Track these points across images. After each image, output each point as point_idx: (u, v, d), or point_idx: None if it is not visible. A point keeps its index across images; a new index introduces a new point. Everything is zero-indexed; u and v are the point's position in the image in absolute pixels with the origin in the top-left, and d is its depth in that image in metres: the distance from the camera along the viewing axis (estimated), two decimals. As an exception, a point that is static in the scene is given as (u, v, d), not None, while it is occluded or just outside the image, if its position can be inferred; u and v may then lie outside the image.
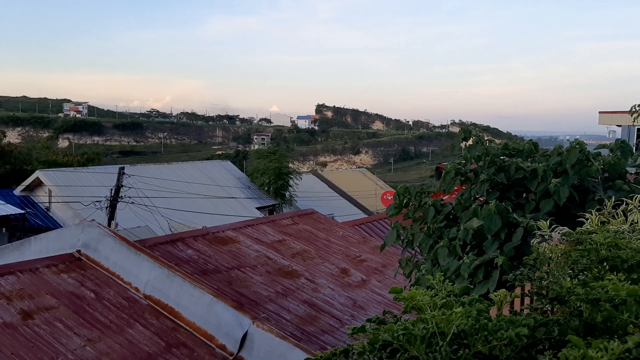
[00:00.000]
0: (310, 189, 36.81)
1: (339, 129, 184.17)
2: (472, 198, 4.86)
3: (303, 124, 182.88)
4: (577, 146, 4.71)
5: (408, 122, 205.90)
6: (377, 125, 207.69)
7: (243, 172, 39.53)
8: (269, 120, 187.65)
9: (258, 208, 32.09)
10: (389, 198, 32.11)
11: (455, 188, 5.15)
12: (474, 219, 4.29)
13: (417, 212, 5.05)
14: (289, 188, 34.60)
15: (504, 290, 1.94)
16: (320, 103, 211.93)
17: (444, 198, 5.41)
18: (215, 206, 29.23)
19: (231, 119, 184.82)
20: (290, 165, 37.64)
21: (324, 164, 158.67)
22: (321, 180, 42.07)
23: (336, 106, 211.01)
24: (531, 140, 5.43)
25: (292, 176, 35.01)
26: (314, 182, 40.71)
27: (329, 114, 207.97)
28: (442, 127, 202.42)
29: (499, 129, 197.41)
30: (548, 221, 3.51)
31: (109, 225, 18.30)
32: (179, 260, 6.96)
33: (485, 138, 5.29)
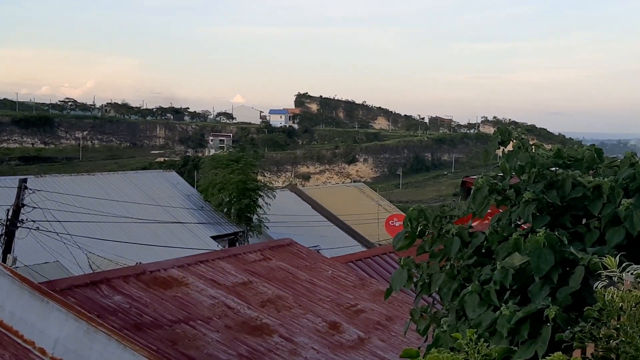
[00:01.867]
0: (287, 210, 36.79)
1: (327, 129, 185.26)
2: (513, 225, 4.88)
3: (277, 121, 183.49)
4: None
5: (423, 119, 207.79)
6: (381, 124, 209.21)
7: (194, 186, 39.42)
8: (230, 116, 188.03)
9: (214, 237, 31.98)
10: (397, 224, 32.25)
11: (489, 211, 5.17)
12: (515, 254, 4.29)
13: (437, 244, 5.04)
14: (258, 209, 34.57)
15: (559, 354, 1.94)
16: (301, 92, 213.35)
17: (473, 225, 5.43)
18: (154, 234, 29.05)
19: (178, 113, 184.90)
20: (260, 177, 37.66)
21: (307, 177, 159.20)
22: (302, 199, 42.15)
23: (324, 97, 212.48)
24: (593, 145, 5.49)
25: (262, 193, 35.01)
26: (292, 202, 40.71)
27: (314, 107, 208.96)
28: (470, 126, 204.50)
29: (548, 129, 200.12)
30: (617, 257, 3.53)
31: (4, 260, 18.08)
32: (103, 311, 6.88)
33: (530, 142, 5.35)
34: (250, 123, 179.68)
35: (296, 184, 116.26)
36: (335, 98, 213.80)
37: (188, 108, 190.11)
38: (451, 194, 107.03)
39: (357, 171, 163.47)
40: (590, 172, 5.24)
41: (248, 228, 34.32)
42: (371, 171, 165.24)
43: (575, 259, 4.15)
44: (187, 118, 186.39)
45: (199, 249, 23.20)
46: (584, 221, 4.82)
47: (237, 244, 33.07)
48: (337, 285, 9.67)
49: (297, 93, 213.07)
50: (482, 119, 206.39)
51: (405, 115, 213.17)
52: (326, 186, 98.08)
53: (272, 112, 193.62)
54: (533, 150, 5.19)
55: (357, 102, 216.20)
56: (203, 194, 35.83)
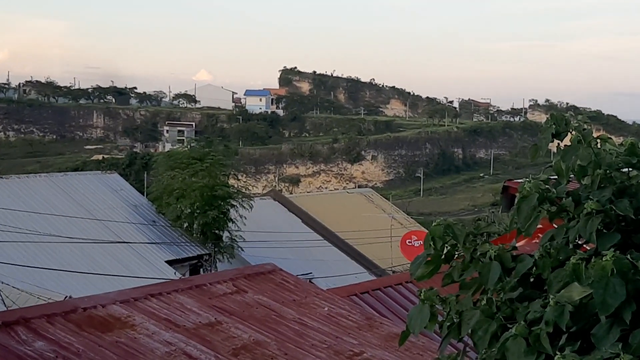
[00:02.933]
0: (269, 225, 36.82)
1: (322, 115, 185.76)
2: (571, 245, 4.88)
3: (256, 105, 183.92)
4: None
5: (451, 103, 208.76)
6: (395, 109, 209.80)
7: (143, 194, 39.37)
8: (192, 98, 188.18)
9: (171, 262, 31.95)
10: (417, 244, 32.28)
11: (540, 226, 5.17)
12: (573, 284, 4.30)
13: (469, 271, 5.04)
14: (229, 225, 34.56)
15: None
16: (288, 67, 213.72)
17: (517, 245, 5.45)
18: (89, 258, 29.01)
19: (122, 94, 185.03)
20: (233, 181, 37.62)
21: (296, 180, 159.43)
22: (289, 211, 42.19)
23: (318, 73, 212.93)
24: (678, 138, 5.49)
25: (235, 202, 35.02)
26: (276, 214, 40.74)
27: (305, 86, 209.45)
28: (515, 112, 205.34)
29: (620, 117, 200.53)
30: None
31: None
32: (19, 362, 6.86)
33: (595, 133, 5.36)
34: (219, 108, 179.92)
35: (281, 190, 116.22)
36: (334, 75, 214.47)
37: (135, 88, 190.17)
38: (489, 203, 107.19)
39: (363, 173, 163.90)
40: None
41: (216, 249, 34.30)
42: (382, 173, 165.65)
43: (654, 292, 4.15)
44: (134, 101, 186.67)
45: (150, 279, 23.17)
46: (666, 240, 4.82)
47: (201, 271, 33.04)
48: (336, 327, 9.67)
49: (282, 68, 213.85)
50: (531, 103, 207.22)
51: (427, 97, 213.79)
52: (322, 193, 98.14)
53: (248, 93, 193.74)
54: (598, 145, 5.20)
55: (362, 79, 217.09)
56: (156, 203, 35.81)
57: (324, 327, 9.59)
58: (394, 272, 34.05)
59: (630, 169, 5.12)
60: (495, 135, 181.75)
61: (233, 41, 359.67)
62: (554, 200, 5.02)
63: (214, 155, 36.72)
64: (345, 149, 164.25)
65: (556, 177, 5.28)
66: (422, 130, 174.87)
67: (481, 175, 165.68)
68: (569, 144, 5.24)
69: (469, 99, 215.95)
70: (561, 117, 5.34)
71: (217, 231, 34.61)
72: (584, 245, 4.95)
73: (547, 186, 5.04)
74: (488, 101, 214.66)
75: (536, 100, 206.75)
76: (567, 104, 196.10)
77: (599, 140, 5.22)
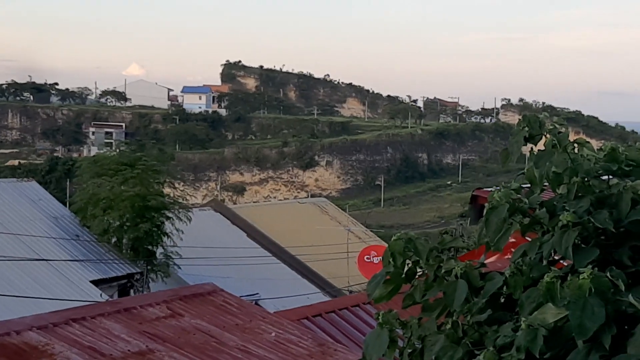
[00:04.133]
0: (209, 240, 36.67)
1: (271, 116, 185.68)
2: (545, 262, 4.92)
3: (195, 104, 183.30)
4: None
5: (415, 102, 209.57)
6: (352, 108, 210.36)
7: (65, 204, 38.96)
8: (121, 96, 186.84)
9: (96, 282, 31.67)
10: (376, 261, 32.33)
11: (513, 240, 5.21)
12: (548, 305, 4.34)
13: (433, 291, 5.07)
14: (164, 240, 34.37)
15: None
16: (231, 61, 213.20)
17: (486, 262, 5.49)
18: (2, 277, 28.63)
19: (41, 91, 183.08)
20: (168, 190, 37.40)
21: (240, 189, 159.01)
22: (233, 223, 42.05)
23: (265, 67, 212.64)
24: (664, 143, 5.56)
25: (170, 214, 34.83)
26: (217, 227, 40.59)
27: (251, 82, 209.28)
28: (486, 113, 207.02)
29: (601, 118, 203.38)
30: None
31: None
32: None
33: (573, 136, 5.42)
34: (152, 107, 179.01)
35: (224, 200, 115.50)
36: (284, 70, 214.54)
37: (57, 84, 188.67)
38: (457, 214, 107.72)
39: (316, 180, 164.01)
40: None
41: (149, 268, 34.08)
42: (338, 180, 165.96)
43: (636, 314, 4.20)
44: (55, 99, 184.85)
45: (73, 301, 22.94)
46: (650, 256, 4.88)
47: (131, 292, 32.81)
48: (285, 355, 9.67)
49: (225, 62, 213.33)
50: (504, 103, 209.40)
51: (388, 96, 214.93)
52: (270, 203, 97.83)
53: (186, 90, 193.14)
54: (575, 150, 5.25)
55: (316, 75, 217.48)
56: (79, 215, 35.49)
57: (270, 355, 9.57)
58: (350, 292, 34.08)
59: (610, 177, 5.17)
60: (464, 138, 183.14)
61: (169, 31, 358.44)
62: (526, 212, 5.04)
63: (146, 160, 36.48)
64: (296, 153, 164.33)
65: (529, 185, 5.33)
66: (382, 132, 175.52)
67: (448, 183, 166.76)
68: (543, 149, 5.29)
69: (434, 98, 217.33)
70: (535, 119, 5.36)
71: (150, 247, 34.37)
72: (561, 262, 5.00)
73: (518, 196, 5.06)
74: (456, 100, 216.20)
75: (509, 100, 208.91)
76: (544, 103, 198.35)
77: (576, 145, 5.26)
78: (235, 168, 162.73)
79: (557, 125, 5.32)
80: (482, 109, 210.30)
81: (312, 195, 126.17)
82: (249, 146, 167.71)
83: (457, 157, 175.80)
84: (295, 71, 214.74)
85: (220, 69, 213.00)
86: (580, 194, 5.00)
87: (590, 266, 4.41)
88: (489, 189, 5.70)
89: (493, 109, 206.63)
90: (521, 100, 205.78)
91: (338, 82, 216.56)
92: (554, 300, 4.37)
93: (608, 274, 4.35)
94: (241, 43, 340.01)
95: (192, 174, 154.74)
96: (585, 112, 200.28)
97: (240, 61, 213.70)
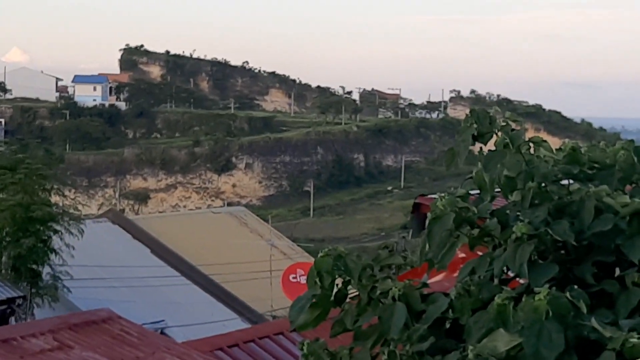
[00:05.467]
0: (106, 257, 36.39)
1: (179, 110, 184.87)
2: (497, 280, 4.95)
3: (89, 96, 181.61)
4: None
5: (349, 94, 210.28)
6: (276, 101, 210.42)
7: None
8: (0, 86, 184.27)
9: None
10: (303, 281, 32.29)
11: (462, 255, 5.22)
12: (499, 331, 4.34)
13: (366, 316, 5.06)
14: (51, 257, 33.97)
15: None
16: (132, 45, 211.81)
17: (431, 281, 5.50)
18: None
19: None
20: (57, 198, 36.99)
21: (143, 196, 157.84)
22: (134, 237, 41.69)
23: (172, 53, 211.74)
24: (632, 142, 5.61)
25: (59, 227, 34.43)
26: (115, 242, 40.25)
27: (155, 71, 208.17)
28: (432, 106, 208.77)
29: (564, 113, 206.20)
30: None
31: None
32: None
33: (531, 134, 5.46)
34: (38, 99, 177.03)
35: (123, 210, 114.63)
36: (194, 56, 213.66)
37: None
38: (399, 225, 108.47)
39: (234, 186, 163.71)
40: (628, 187, 5.36)
41: (33, 291, 33.66)
42: (259, 186, 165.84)
43: (600, 340, 4.22)
44: None
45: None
46: (616, 274, 4.93)
47: (12, 320, 32.37)
48: (195, 393, 9.62)
49: (124, 46, 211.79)
50: (453, 95, 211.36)
51: (318, 87, 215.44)
52: (178, 214, 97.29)
53: (78, 79, 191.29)
54: (531, 151, 5.28)
55: (232, 63, 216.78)
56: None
57: (178, 393, 9.52)
58: (274, 317, 34.05)
59: (571, 181, 5.20)
60: (406, 136, 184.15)
61: (57, 9, 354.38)
62: (474, 222, 5.07)
63: (30, 163, 36.07)
64: (210, 154, 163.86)
65: (478, 192, 5.34)
66: (311, 129, 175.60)
67: (389, 189, 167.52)
68: (494, 149, 5.30)
69: (372, 90, 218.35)
70: (484, 114, 5.37)
71: (34, 266, 33.90)
72: (516, 280, 5.02)
73: (466, 204, 5.08)
74: (397, 92, 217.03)
75: (459, 92, 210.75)
76: (499, 96, 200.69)
77: (531, 144, 5.30)
78: (137, 172, 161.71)
79: (510, 122, 5.35)
80: (428, 102, 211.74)
81: (229, 204, 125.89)
82: (153, 146, 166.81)
83: (399, 159, 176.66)
84: (208, 57, 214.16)
85: (118, 55, 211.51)
86: (536, 202, 5.03)
87: (547, 285, 4.44)
88: (434, 196, 5.71)
89: (440, 102, 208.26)
90: (473, 92, 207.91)
91: (259, 71, 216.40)
92: (506, 325, 4.38)
93: (568, 295, 4.37)
94: (144, 24, 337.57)
95: (86, 179, 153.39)
96: (547, 106, 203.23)
97: (142, 45, 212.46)
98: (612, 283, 4.81)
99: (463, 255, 5.36)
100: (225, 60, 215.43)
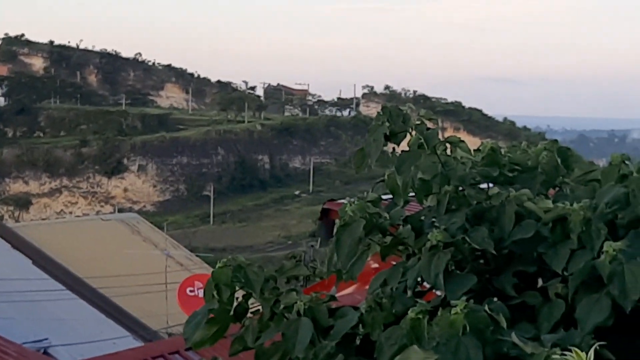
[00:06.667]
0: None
1: (64, 106, 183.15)
2: (410, 292, 4.98)
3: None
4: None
5: (253, 89, 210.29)
6: (172, 97, 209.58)
7: None
8: None
9: None
10: (201, 294, 32.18)
11: (375, 265, 5.24)
12: (412, 348, 4.33)
13: (269, 332, 5.07)
14: None
15: None
16: (11, 34, 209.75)
17: (340, 294, 5.51)
18: None
19: None
20: None
21: (24, 202, 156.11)
22: (13, 247, 41.15)
23: (57, 44, 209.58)
24: (556, 142, 5.67)
25: None
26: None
27: (37, 62, 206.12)
28: (343, 103, 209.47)
29: (485, 111, 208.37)
30: (592, 350, 3.68)
31: None
32: None
33: (447, 134, 5.50)
34: None
35: (2, 217, 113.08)
36: (81, 47, 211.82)
37: None
38: (308, 233, 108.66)
39: (125, 191, 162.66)
40: (551, 191, 5.44)
41: None
42: (154, 190, 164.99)
43: (520, 356, 4.24)
44: None
45: None
46: (539, 284, 4.98)
47: None
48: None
49: (2, 36, 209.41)
50: (366, 91, 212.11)
51: (218, 81, 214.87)
52: (63, 221, 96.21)
53: None
54: (447, 151, 5.32)
55: (124, 55, 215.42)
56: None
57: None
58: (169, 334, 33.89)
59: (490, 185, 5.25)
60: (315, 136, 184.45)
61: None
62: (386, 229, 5.10)
63: None
64: (99, 155, 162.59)
65: (391, 196, 5.37)
66: (211, 128, 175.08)
67: (296, 193, 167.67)
68: (407, 150, 5.32)
69: (278, 85, 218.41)
70: (397, 111, 5.39)
71: None
72: (432, 292, 5.05)
73: (377, 209, 5.12)
74: (305, 88, 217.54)
75: (372, 88, 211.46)
76: (415, 92, 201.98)
77: (448, 145, 5.34)
78: (18, 175, 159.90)
79: (425, 120, 5.37)
80: (339, 98, 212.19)
81: (120, 210, 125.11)
82: (35, 146, 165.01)
83: (307, 160, 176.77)
84: (97, 48, 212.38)
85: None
86: (453, 207, 5.10)
87: (465, 298, 4.44)
88: (343, 201, 5.71)
89: (352, 99, 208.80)
90: (387, 88, 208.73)
91: (153, 64, 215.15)
92: (421, 341, 4.40)
93: (487, 308, 4.39)
94: (25, 11, 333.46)
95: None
96: (467, 104, 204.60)
97: (23, 35, 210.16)
98: (534, 295, 4.86)
99: (376, 265, 5.40)
100: (115, 51, 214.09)
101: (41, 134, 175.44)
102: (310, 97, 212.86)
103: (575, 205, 4.84)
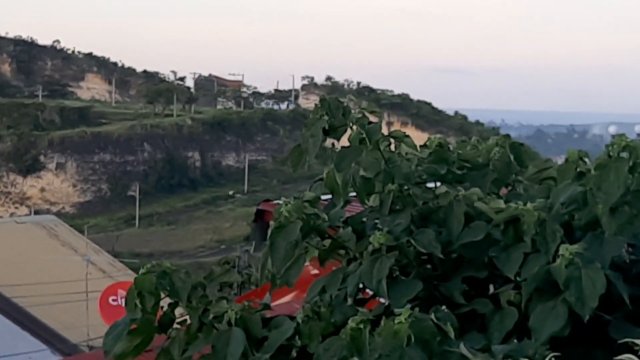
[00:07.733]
0: None
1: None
2: (351, 300, 4.98)
3: None
4: (624, 147, 4.93)
5: (182, 80, 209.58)
6: (93, 88, 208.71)
7: None
8: None
9: None
10: (123, 304, 32.03)
11: (315, 271, 5.23)
12: (353, 360, 4.39)
13: (198, 344, 5.07)
14: None
15: None
16: None
17: (276, 303, 5.51)
18: None
19: None
20: None
21: None
22: None
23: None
24: (508, 136, 5.71)
25: None
26: None
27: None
28: (281, 96, 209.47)
29: (434, 104, 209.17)
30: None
31: None
32: None
33: (392, 128, 5.50)
34: None
35: None
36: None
37: None
38: (243, 237, 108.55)
39: (42, 191, 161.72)
40: (503, 190, 5.46)
41: None
42: (73, 190, 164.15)
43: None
44: None
45: None
46: (490, 291, 5.02)
47: None
48: None
49: None
50: (305, 82, 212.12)
51: (144, 71, 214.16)
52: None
53: None
54: (391, 147, 5.33)
55: (40, 42, 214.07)
56: None
57: None
58: (90, 348, 33.72)
59: (437, 183, 5.26)
60: (251, 131, 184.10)
61: None
62: (325, 232, 5.10)
63: None
64: (13, 152, 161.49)
65: (331, 195, 5.36)
66: (137, 122, 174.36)
67: (230, 193, 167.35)
68: (348, 146, 5.31)
69: (209, 75, 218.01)
70: (337, 104, 5.38)
71: None
72: (375, 300, 5.06)
73: (315, 210, 5.12)
74: (239, 79, 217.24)
75: (312, 79, 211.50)
76: (359, 84, 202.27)
77: (392, 140, 5.34)
78: None
79: (367, 113, 5.37)
80: (276, 90, 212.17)
81: (37, 212, 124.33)
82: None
83: (242, 158, 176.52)
84: (10, 35, 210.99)
85: None
86: (397, 207, 5.09)
87: (410, 306, 4.45)
88: (279, 201, 5.69)
89: (291, 90, 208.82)
90: (329, 79, 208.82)
91: (73, 52, 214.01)
92: (362, 353, 4.40)
93: (433, 316, 4.39)
94: None
95: None
96: (415, 96, 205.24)
97: None
98: (484, 302, 4.88)
99: (316, 271, 5.39)
100: (31, 38, 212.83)
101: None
102: (245, 89, 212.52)
103: (529, 205, 4.84)
